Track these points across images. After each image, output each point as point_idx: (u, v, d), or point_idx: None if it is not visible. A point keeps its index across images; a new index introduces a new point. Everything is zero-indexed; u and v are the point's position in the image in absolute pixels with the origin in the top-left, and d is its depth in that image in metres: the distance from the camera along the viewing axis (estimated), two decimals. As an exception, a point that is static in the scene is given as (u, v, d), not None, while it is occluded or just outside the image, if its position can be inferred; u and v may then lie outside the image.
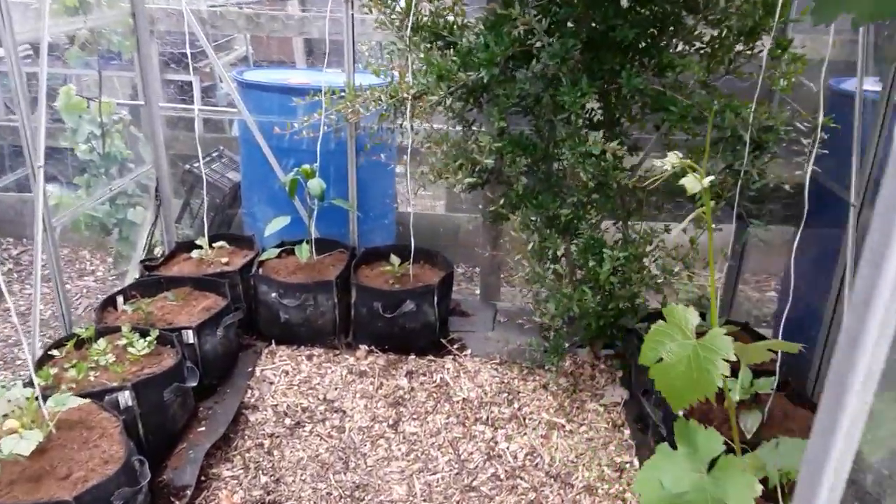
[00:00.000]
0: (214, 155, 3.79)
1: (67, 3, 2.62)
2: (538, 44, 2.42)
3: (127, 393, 2.17)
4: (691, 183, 1.26)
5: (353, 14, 2.92)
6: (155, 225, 3.28)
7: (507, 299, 3.81)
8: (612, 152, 2.24)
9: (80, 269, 4.16)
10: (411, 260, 3.19)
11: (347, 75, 3.05)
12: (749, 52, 2.49)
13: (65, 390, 2.22)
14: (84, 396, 2.14)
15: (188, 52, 3.09)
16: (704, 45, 2.55)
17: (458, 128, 2.92)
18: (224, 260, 3.16)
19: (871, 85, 2.67)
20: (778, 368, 2.23)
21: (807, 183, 1.98)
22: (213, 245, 3.22)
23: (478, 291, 3.91)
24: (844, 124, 2.37)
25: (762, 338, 2.69)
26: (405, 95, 2.62)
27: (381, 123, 2.87)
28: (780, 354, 2.26)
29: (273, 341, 3.08)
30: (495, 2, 2.65)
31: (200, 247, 3.16)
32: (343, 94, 2.90)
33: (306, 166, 3.01)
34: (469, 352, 3.10)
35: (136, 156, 3.38)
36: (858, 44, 2.39)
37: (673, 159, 1.27)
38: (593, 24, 2.46)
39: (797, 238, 2.06)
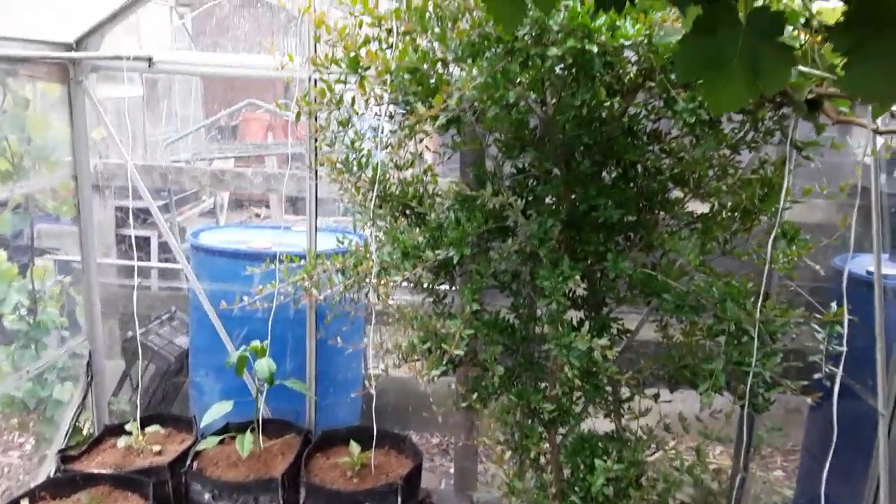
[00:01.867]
0: (164, 318, 3.47)
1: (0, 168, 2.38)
2: (515, 219, 2.19)
3: None
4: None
5: (316, 184, 2.71)
6: (83, 404, 2.88)
7: (486, 484, 3.37)
8: (600, 350, 1.93)
9: (6, 441, 3.68)
10: (374, 446, 2.79)
11: (308, 242, 2.80)
12: (746, 231, 2.27)
13: None
14: None
15: (131, 208, 2.83)
16: (695, 221, 2.33)
17: (430, 299, 2.64)
18: (156, 448, 2.74)
19: (885, 266, 2.44)
20: None
21: (835, 404, 1.67)
22: (146, 430, 2.81)
23: (453, 470, 3.47)
24: (860, 314, 2.11)
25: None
26: (368, 271, 2.34)
27: (344, 294, 2.58)
28: None
29: (205, 552, 2.59)
30: (466, 177, 2.46)
31: (131, 432, 2.75)
32: (303, 261, 2.64)
33: (256, 343, 2.68)
34: (438, 565, 2.62)
35: (71, 323, 3.04)
36: (873, 219, 2.17)
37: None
38: (574, 201, 2.24)
39: (826, 466, 1.71)
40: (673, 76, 2.00)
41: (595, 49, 1.77)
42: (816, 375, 1.91)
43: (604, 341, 1.94)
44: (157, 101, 6.53)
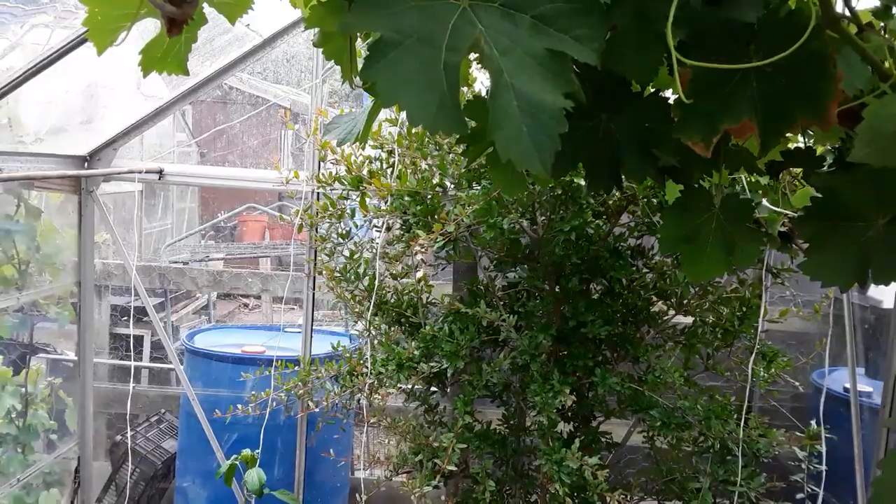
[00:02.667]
0: (153, 420, 3.45)
1: (5, 273, 2.45)
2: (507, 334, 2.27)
3: None
4: None
5: (314, 294, 2.79)
6: (67, 511, 2.83)
7: None
8: (591, 470, 1.97)
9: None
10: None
11: (303, 350, 2.85)
12: (727, 347, 2.37)
13: None
14: None
15: (132, 309, 2.88)
16: (679, 335, 2.43)
17: (422, 408, 2.68)
18: (139, 560, 2.68)
19: (860, 383, 2.52)
20: None
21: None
22: (130, 540, 2.75)
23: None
24: (838, 431, 2.18)
25: None
26: (362, 381, 2.39)
27: (337, 401, 2.62)
28: None
29: None
30: (459, 287, 2.56)
31: (114, 542, 2.70)
32: (297, 367, 2.69)
33: (247, 452, 2.68)
34: None
35: (60, 425, 3.03)
36: (847, 340, 2.28)
37: None
38: (564, 315, 2.34)
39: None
40: (655, 201, 2.15)
41: (583, 181, 1.91)
42: (799, 496, 1.95)
43: (594, 460, 1.98)
44: (153, 194, 6.67)
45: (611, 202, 2.29)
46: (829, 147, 1.03)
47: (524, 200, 2.14)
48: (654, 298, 2.44)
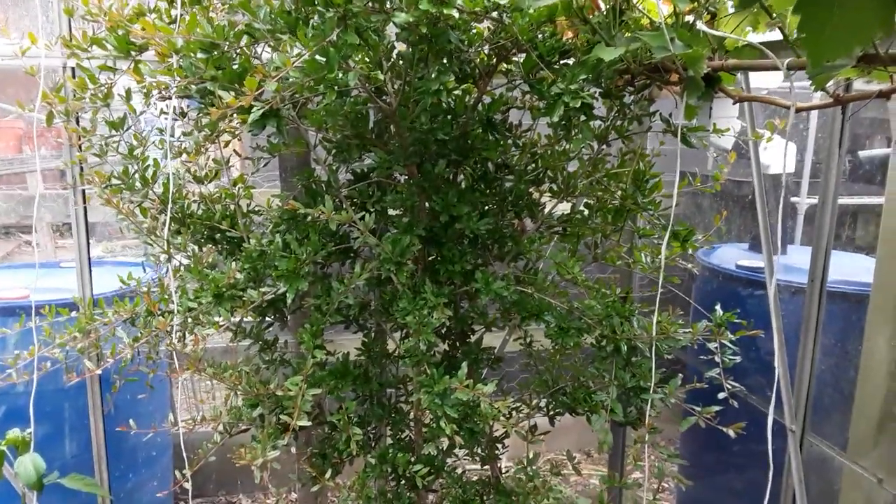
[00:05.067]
0: None
1: None
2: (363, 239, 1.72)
3: None
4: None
5: (85, 208, 2.04)
6: None
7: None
8: (487, 402, 1.54)
9: None
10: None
11: (80, 287, 2.11)
12: (617, 233, 2.01)
13: None
14: None
15: None
16: (563, 224, 2.03)
17: (255, 347, 2.10)
18: None
19: (747, 259, 2.31)
20: None
21: (769, 428, 1.41)
22: None
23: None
24: (739, 313, 1.92)
25: None
26: (165, 323, 1.74)
27: (136, 351, 1.95)
28: None
29: None
30: (291, 188, 1.96)
31: None
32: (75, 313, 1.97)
33: (15, 432, 1.95)
34: None
35: None
36: (758, 209, 1.99)
37: None
38: (433, 212, 1.83)
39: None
40: (536, 54, 1.64)
41: (455, 13, 1.35)
42: (721, 395, 1.67)
43: (490, 388, 1.54)
44: None
45: (478, 60, 1.77)
46: None
47: (369, 56, 1.56)
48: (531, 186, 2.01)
